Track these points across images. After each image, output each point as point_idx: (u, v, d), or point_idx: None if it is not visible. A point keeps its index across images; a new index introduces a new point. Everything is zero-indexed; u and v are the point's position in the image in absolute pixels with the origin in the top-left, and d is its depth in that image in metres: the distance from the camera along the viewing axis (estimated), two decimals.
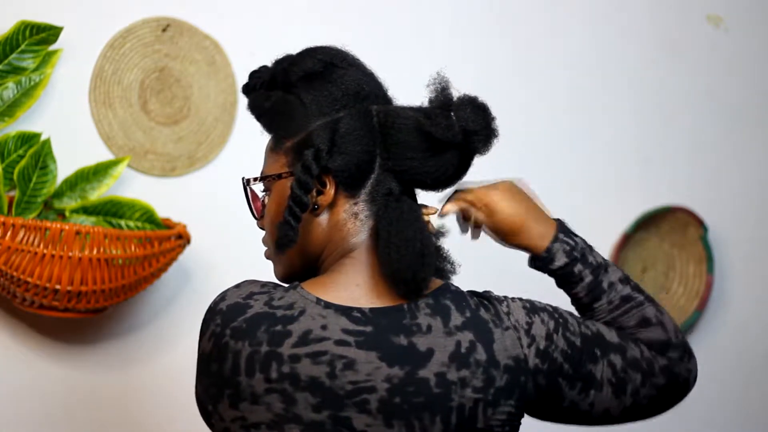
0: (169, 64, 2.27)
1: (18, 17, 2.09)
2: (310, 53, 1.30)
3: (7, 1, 2.17)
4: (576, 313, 1.35)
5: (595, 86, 2.58)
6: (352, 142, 1.26)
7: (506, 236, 1.35)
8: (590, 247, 1.36)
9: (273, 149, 1.31)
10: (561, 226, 1.36)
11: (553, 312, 1.29)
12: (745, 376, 2.69)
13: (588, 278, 1.34)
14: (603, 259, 1.36)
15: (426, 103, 1.30)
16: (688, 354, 1.35)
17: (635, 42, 2.60)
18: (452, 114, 1.27)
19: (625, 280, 1.36)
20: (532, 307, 1.28)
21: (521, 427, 1.29)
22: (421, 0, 2.46)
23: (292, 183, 1.25)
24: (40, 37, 2.10)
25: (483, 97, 1.30)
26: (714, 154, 2.67)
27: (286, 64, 1.31)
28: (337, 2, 2.40)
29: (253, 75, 1.35)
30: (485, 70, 2.48)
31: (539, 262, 1.35)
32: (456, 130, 1.26)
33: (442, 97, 1.28)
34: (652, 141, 2.62)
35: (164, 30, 2.26)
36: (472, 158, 1.31)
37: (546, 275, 1.38)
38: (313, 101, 1.28)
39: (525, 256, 1.38)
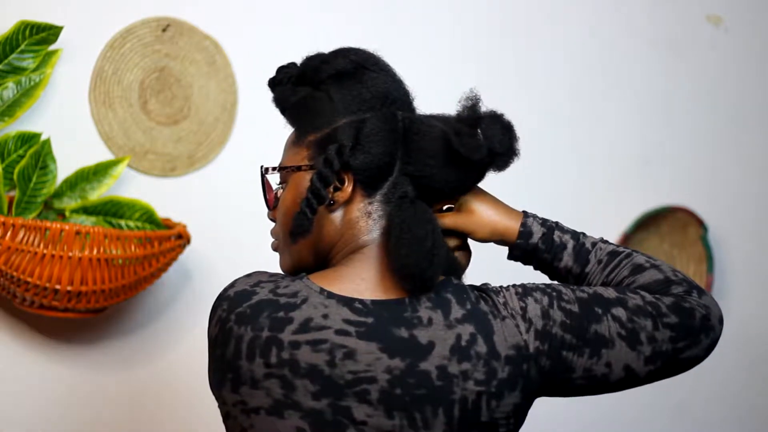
0: (169, 64, 2.27)
1: (18, 17, 2.10)
2: (342, 53, 1.32)
3: (7, 1, 2.17)
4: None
5: (595, 86, 2.58)
6: (375, 143, 1.28)
7: (476, 229, 1.35)
8: (560, 222, 1.38)
9: (295, 142, 1.33)
10: (526, 212, 1.38)
11: (546, 288, 1.29)
12: (745, 375, 2.69)
13: (570, 243, 1.35)
14: (576, 230, 1.38)
15: (453, 114, 1.32)
16: (696, 290, 1.30)
17: (635, 42, 2.60)
18: (479, 132, 1.28)
19: (606, 241, 1.37)
20: (524, 291, 1.28)
21: (528, 417, 1.28)
22: (422, 0, 2.47)
23: (313, 175, 1.26)
24: (40, 37, 2.10)
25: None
26: (714, 154, 2.67)
27: (317, 61, 1.32)
28: (337, 3, 2.40)
29: (281, 70, 1.36)
30: (485, 69, 2.49)
31: (520, 239, 1.35)
32: (484, 152, 1.28)
33: (471, 113, 1.30)
34: (652, 141, 2.62)
35: (164, 30, 2.26)
36: (487, 172, 1.34)
37: (532, 267, 1.38)
38: (341, 99, 1.30)
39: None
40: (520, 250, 1.36)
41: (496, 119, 1.30)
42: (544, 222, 1.36)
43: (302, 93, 1.32)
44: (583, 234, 1.37)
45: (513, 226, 1.35)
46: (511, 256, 1.38)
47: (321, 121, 1.30)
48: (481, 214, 1.35)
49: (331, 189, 1.27)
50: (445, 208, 1.38)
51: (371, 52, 1.34)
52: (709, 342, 1.29)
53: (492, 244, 1.39)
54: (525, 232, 1.35)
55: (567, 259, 1.35)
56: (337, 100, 1.30)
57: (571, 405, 2.46)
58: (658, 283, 1.30)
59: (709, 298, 1.31)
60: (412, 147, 1.29)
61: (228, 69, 2.31)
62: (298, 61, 1.35)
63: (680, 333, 1.27)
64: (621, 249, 1.35)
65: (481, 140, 1.28)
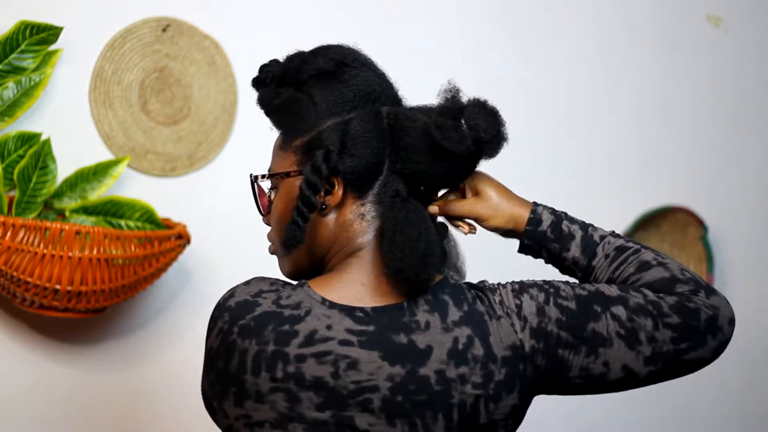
0: (169, 64, 2.27)
1: (18, 17, 2.10)
2: (322, 51, 1.30)
3: (7, 1, 2.17)
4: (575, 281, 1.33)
5: (595, 86, 2.58)
6: (361, 145, 1.26)
7: (492, 215, 1.34)
8: (569, 213, 1.36)
9: (282, 147, 1.31)
10: (536, 201, 1.36)
11: (543, 284, 1.28)
12: (745, 375, 2.69)
13: (578, 234, 1.33)
14: (585, 222, 1.36)
15: (436, 106, 1.30)
16: (704, 290, 1.27)
17: (635, 42, 2.60)
18: (463, 122, 1.26)
19: (616, 234, 1.35)
20: (521, 288, 1.27)
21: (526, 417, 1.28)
22: (422, 0, 2.47)
23: (301, 183, 1.25)
24: (40, 37, 2.10)
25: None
26: (714, 154, 2.67)
27: (298, 61, 1.31)
28: (337, 2, 2.40)
29: (264, 69, 1.35)
30: (485, 70, 2.48)
31: (529, 225, 1.33)
32: (468, 143, 1.26)
33: (452, 104, 1.28)
34: (652, 141, 2.62)
35: (164, 30, 2.26)
36: (479, 160, 1.32)
37: (539, 261, 1.37)
38: (324, 100, 1.28)
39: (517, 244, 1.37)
40: (529, 237, 1.34)
41: (479, 107, 1.27)
42: (553, 211, 1.34)
43: (285, 95, 1.30)
44: (592, 226, 1.35)
45: (523, 213, 1.33)
46: (521, 248, 1.36)
47: (305, 124, 1.28)
48: (495, 200, 1.33)
49: (322, 194, 1.26)
50: (444, 193, 1.36)
51: (351, 47, 1.32)
52: (716, 344, 1.26)
53: (496, 240, 1.38)
54: (535, 219, 1.33)
55: (575, 249, 1.33)
56: (319, 101, 1.28)
57: (570, 407, 2.46)
58: (663, 282, 1.28)
59: (720, 299, 1.27)
60: (399, 144, 1.27)
61: (228, 69, 2.31)
62: (282, 58, 1.33)
63: (682, 334, 1.24)
64: (630, 244, 1.33)
65: (465, 131, 1.26)
